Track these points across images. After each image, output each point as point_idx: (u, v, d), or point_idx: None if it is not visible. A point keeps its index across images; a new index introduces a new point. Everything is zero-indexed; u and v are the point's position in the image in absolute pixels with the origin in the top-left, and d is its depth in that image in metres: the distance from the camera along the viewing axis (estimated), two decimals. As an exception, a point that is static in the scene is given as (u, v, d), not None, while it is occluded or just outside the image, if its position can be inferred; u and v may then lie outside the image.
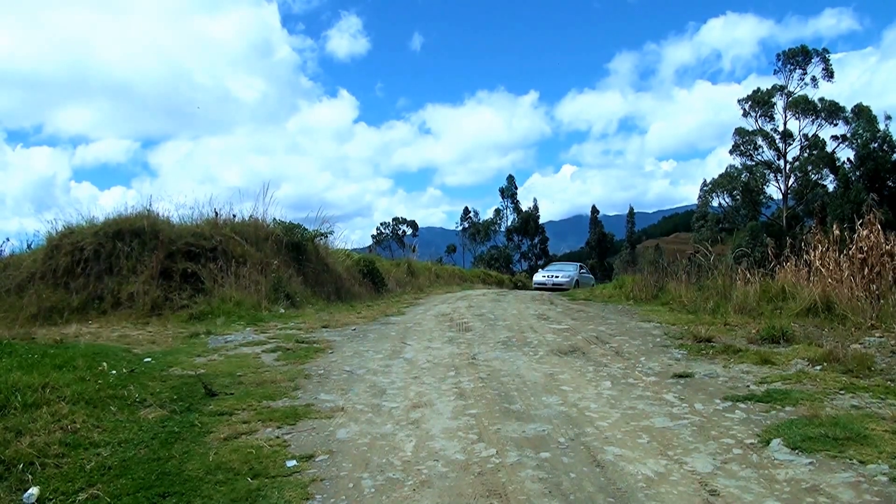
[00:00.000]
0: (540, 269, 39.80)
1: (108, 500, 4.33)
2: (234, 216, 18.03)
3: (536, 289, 31.14)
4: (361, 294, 21.04)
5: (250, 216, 18.39)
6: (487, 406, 6.53)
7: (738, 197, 67.35)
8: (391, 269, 27.39)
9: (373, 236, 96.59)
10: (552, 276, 32.98)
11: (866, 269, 11.12)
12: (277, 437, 5.59)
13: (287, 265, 17.76)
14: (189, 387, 7.20)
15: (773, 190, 67.93)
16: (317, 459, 5.07)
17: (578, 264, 37.91)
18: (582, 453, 5.07)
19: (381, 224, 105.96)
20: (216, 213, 17.65)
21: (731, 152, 68.25)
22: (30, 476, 4.63)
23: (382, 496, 4.37)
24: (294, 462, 4.99)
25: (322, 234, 20.51)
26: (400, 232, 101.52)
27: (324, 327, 12.64)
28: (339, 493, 4.44)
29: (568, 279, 32.19)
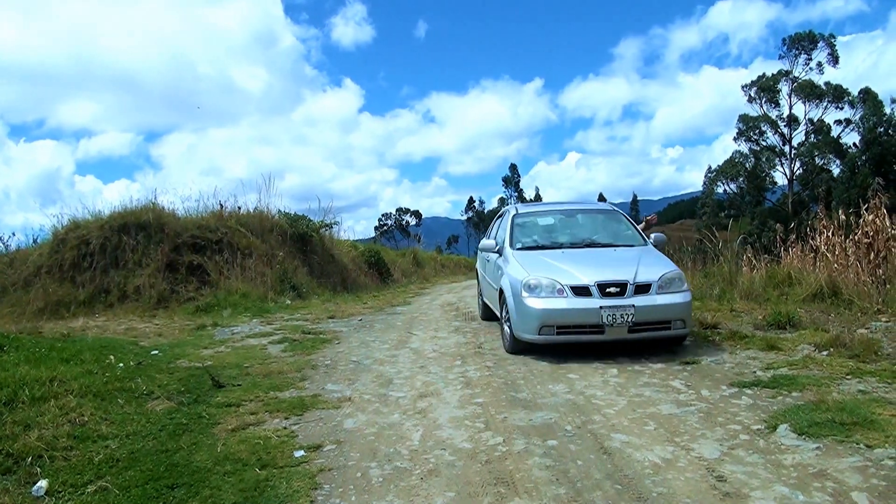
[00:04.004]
0: None
1: (117, 492, 4.34)
2: (239, 208, 18.05)
3: None
4: (367, 285, 21.07)
5: (255, 208, 18.39)
6: (494, 395, 6.54)
7: (743, 183, 67.21)
8: (397, 259, 27.40)
9: (375, 227, 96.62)
10: None
11: (872, 254, 11.07)
12: (285, 428, 5.60)
13: (292, 256, 17.77)
14: (196, 378, 7.23)
15: (779, 175, 67.81)
16: (324, 449, 5.08)
17: None
18: (589, 441, 5.07)
19: (384, 215, 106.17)
20: (221, 205, 17.67)
21: (735, 139, 68.04)
22: (38, 469, 4.64)
23: (390, 485, 4.37)
24: (302, 452, 4.99)
25: (327, 225, 20.51)
26: (404, 222, 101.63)
27: (330, 318, 12.67)
28: (347, 482, 4.45)
29: None
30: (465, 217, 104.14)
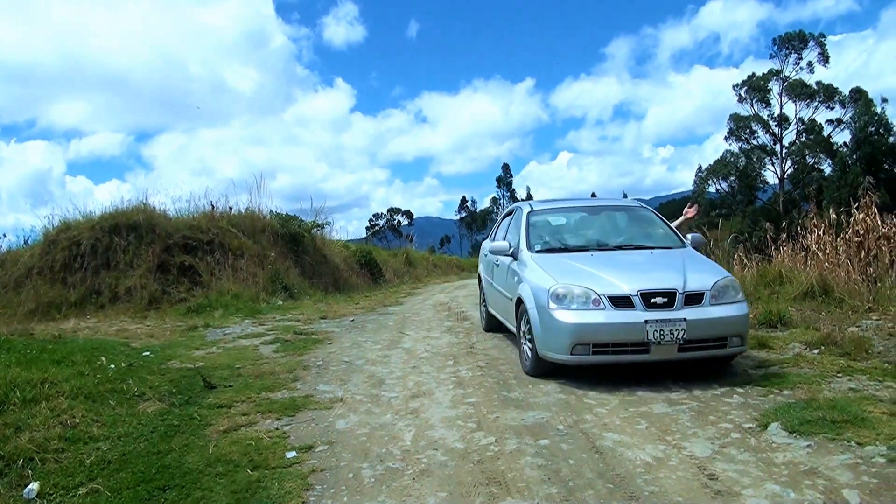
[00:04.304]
0: None
1: (109, 494, 4.33)
2: (231, 208, 17.98)
3: None
4: (359, 285, 21.06)
5: (246, 208, 18.33)
6: (486, 394, 6.55)
7: (734, 183, 67.51)
8: (389, 259, 27.38)
9: (367, 228, 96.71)
10: None
11: (863, 253, 11.14)
12: (277, 429, 5.60)
13: (284, 257, 17.75)
14: (188, 380, 7.22)
15: (770, 175, 68.15)
16: (316, 450, 5.09)
17: None
18: (581, 440, 5.08)
19: (375, 215, 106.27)
20: (212, 205, 17.61)
21: (726, 138, 68.38)
22: (30, 471, 4.64)
23: (382, 485, 4.38)
24: (294, 453, 4.99)
25: (319, 226, 20.49)
26: (396, 222, 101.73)
27: (322, 318, 12.66)
28: (339, 483, 4.45)
29: None
30: (457, 217, 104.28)
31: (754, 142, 67.88)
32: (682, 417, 5.46)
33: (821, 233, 12.53)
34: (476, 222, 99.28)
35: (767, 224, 15.73)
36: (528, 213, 8.90)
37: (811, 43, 65.23)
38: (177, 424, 5.74)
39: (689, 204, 11.17)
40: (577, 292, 6.68)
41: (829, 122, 65.34)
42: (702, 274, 6.99)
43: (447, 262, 37.09)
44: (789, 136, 67.01)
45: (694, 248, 8.25)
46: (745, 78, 68.12)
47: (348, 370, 7.92)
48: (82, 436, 5.34)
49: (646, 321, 6.35)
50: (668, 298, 6.52)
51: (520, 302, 7.57)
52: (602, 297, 6.58)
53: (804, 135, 66.18)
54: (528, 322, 7.17)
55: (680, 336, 6.33)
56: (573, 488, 4.19)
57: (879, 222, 11.06)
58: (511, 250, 8.44)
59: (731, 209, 64.84)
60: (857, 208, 11.58)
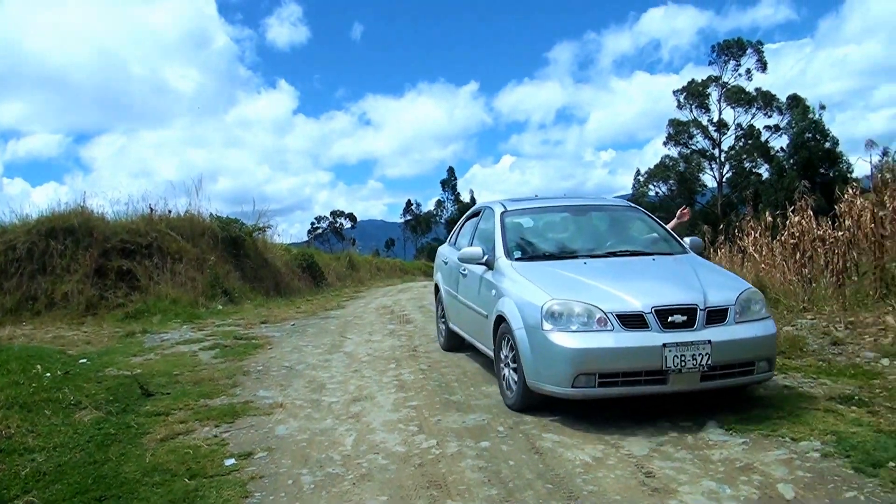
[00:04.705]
0: None
1: (43, 505, 4.28)
2: (170, 211, 17.68)
3: None
4: (301, 289, 20.91)
5: (186, 211, 18.07)
6: (428, 397, 6.57)
7: (673, 186, 68.64)
8: (331, 262, 27.21)
9: (309, 231, 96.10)
10: None
11: (798, 254, 11.41)
12: (215, 436, 5.55)
13: (224, 261, 17.55)
14: (125, 387, 7.10)
15: (708, 178, 69.47)
16: (256, 457, 5.04)
17: None
18: (521, 441, 5.14)
19: (318, 218, 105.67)
20: (151, 208, 17.29)
21: (665, 143, 69.53)
22: (-40, 484, 4.56)
23: (322, 491, 4.36)
24: (233, 460, 4.95)
25: (260, 229, 20.29)
26: (339, 225, 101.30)
27: (262, 323, 12.56)
28: (279, 490, 4.42)
29: None
30: (402, 220, 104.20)
31: (693, 146, 69.17)
32: (619, 417, 5.54)
33: (757, 235, 12.87)
34: (421, 225, 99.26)
35: (706, 227, 16.05)
36: (502, 213, 7.57)
37: (749, 50, 66.82)
38: (113, 433, 5.65)
39: (682, 206, 10.89)
40: (578, 310, 5.48)
41: (767, 127, 66.92)
42: (722, 286, 5.93)
43: (391, 266, 37.03)
44: (728, 141, 68.50)
45: (695, 253, 7.19)
46: (684, 84, 69.49)
47: (289, 375, 7.88)
48: (17, 447, 5.24)
49: (664, 344, 5.22)
50: (689, 316, 5.40)
51: (500, 320, 6.29)
52: (609, 315, 5.40)
53: (742, 140, 67.64)
54: (514, 346, 5.90)
55: (704, 362, 5.24)
56: (513, 489, 4.23)
57: (814, 225, 11.34)
58: (485, 258, 7.04)
59: (671, 212, 65.73)
60: (793, 211, 11.86)
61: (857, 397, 5.71)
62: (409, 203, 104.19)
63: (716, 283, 5.90)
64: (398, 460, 4.87)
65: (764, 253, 12.44)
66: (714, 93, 67.80)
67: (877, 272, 9.43)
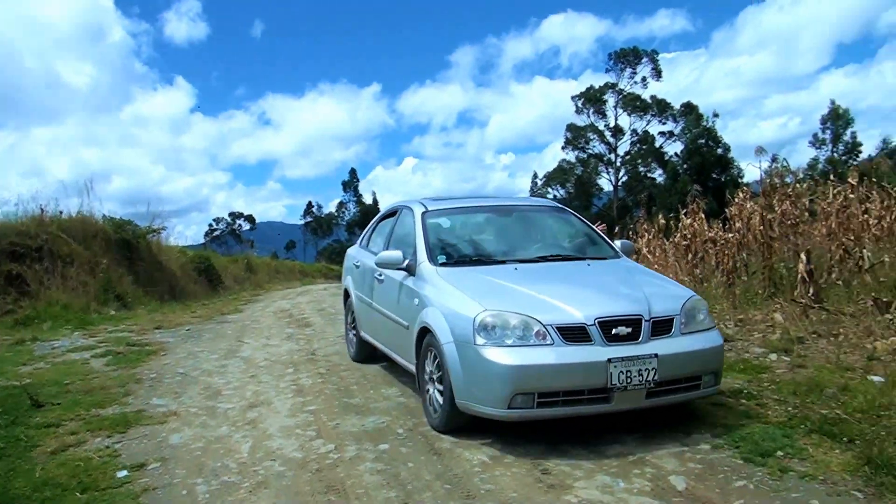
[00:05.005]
0: None
1: (-75, 523, 4.16)
2: (61, 212, 17.16)
3: None
4: (197, 292, 20.56)
5: (78, 212, 17.54)
6: (326, 401, 6.61)
7: (571, 189, 70.08)
8: (228, 265, 26.81)
9: (206, 233, 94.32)
10: None
11: (690, 255, 11.91)
12: (107, 447, 5.46)
13: (118, 264, 17.12)
14: (14, 398, 6.89)
15: (605, 182, 71.26)
16: (149, 468, 4.99)
17: None
18: (420, 443, 5.25)
19: (215, 220, 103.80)
20: (42, 209, 16.75)
21: (563, 147, 70.98)
22: None
23: (217, 501, 4.37)
24: (125, 472, 4.88)
25: (155, 231, 19.84)
26: (237, 227, 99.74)
27: (157, 328, 12.32)
28: (173, 501, 4.41)
29: None
30: (302, 222, 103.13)
31: (591, 151, 70.84)
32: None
33: (651, 237, 13.35)
34: (322, 227, 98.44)
35: (602, 226, 16.47)
36: (423, 213, 6.89)
37: (645, 59, 69.02)
38: (2, 447, 5.49)
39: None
40: (514, 322, 4.98)
41: (662, 133, 69.16)
42: (665, 294, 5.56)
43: (290, 268, 36.72)
44: (624, 146, 70.60)
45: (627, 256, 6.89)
46: (583, 90, 71.18)
47: (183, 382, 7.79)
48: None
49: (609, 359, 4.80)
50: (633, 328, 4.99)
51: (425, 332, 5.73)
52: (548, 327, 4.93)
53: (638, 145, 69.68)
54: (441, 362, 5.34)
55: (651, 377, 4.86)
56: (412, 491, 4.32)
57: (706, 227, 11.82)
58: (406, 262, 6.39)
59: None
60: (685, 214, 12.34)
61: (746, 391, 6.04)
62: (309, 205, 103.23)
63: (658, 292, 5.54)
64: (295, 466, 4.90)
65: (657, 254, 12.93)
66: (611, 99, 69.77)
67: (765, 272, 9.89)
